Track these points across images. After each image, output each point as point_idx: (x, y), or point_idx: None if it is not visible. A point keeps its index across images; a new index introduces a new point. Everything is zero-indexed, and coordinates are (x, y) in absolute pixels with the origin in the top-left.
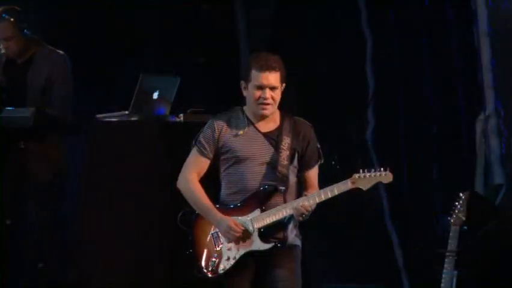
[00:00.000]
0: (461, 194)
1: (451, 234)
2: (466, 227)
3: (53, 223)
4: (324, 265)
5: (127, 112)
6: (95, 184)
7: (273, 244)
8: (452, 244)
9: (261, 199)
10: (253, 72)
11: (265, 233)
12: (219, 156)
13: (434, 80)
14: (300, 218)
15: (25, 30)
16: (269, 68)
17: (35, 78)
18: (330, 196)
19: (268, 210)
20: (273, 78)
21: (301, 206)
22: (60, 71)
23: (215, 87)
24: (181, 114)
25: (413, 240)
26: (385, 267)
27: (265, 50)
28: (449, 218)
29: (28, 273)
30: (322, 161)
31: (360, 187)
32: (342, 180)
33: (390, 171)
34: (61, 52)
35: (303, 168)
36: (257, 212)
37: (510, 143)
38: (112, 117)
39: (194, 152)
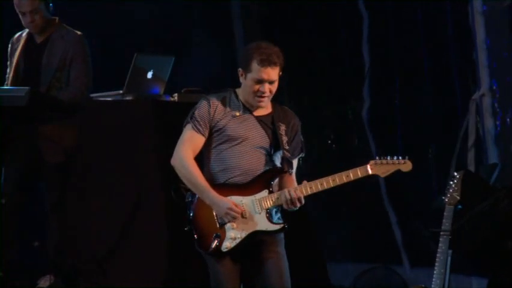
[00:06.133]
0: (455, 173)
1: (445, 213)
2: (460, 206)
3: (61, 204)
4: (324, 245)
5: (121, 92)
6: (89, 164)
7: (281, 225)
8: (446, 223)
9: (268, 180)
10: (254, 65)
11: (272, 214)
12: (211, 134)
13: (430, 59)
14: (287, 206)
15: (50, 5)
16: (271, 64)
17: (49, 58)
18: (345, 181)
19: (276, 192)
20: (273, 73)
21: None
22: (76, 51)
23: (210, 67)
24: (176, 94)
25: (411, 220)
26: (384, 247)
27: (260, 30)
28: (443, 198)
29: (23, 251)
30: (303, 155)
31: (378, 174)
32: (338, 162)
33: (410, 159)
34: (78, 32)
35: None
36: (265, 192)
37: (505, 122)
38: (107, 96)
39: (189, 128)
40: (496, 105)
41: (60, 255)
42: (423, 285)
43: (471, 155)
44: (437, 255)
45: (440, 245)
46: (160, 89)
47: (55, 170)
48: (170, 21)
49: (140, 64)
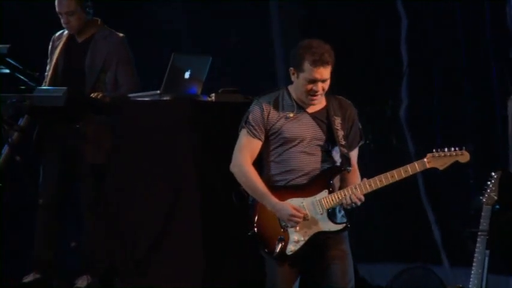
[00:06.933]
0: (493, 173)
1: (483, 213)
2: (498, 206)
3: (97, 204)
4: (361, 245)
5: (158, 92)
6: (127, 164)
7: (344, 225)
8: (484, 223)
9: (327, 180)
10: (307, 65)
11: (335, 213)
12: (267, 137)
13: (468, 58)
14: (348, 206)
15: (88, 9)
16: (323, 63)
17: (93, 59)
18: (404, 176)
19: (336, 192)
20: (326, 72)
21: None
22: (121, 54)
23: (247, 67)
24: (213, 94)
25: (450, 220)
26: (423, 246)
27: (298, 29)
28: (481, 198)
29: (60, 251)
30: (363, 142)
31: (436, 167)
32: (376, 161)
33: (466, 150)
34: (120, 34)
35: None
36: (324, 192)
37: None
38: (144, 96)
39: (244, 134)
40: None
41: (97, 255)
42: (460, 285)
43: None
44: (475, 255)
45: (477, 245)
46: (197, 89)
47: (92, 170)
48: (207, 21)
49: (177, 64)
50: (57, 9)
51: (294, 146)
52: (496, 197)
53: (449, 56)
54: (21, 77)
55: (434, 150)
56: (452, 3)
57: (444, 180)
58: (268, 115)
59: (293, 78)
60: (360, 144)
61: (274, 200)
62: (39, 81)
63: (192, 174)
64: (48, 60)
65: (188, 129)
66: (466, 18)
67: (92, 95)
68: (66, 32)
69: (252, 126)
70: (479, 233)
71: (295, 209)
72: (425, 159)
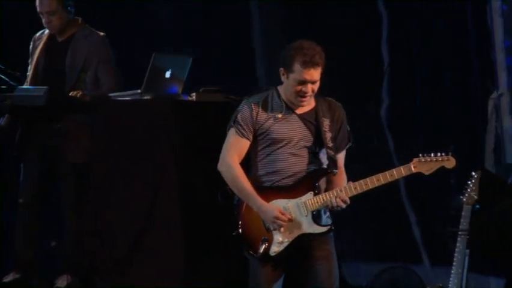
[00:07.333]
0: (473, 173)
1: (463, 213)
2: (478, 206)
3: (78, 203)
4: (343, 244)
5: (139, 91)
6: (107, 163)
7: (328, 227)
8: (464, 223)
9: (313, 182)
10: (297, 66)
11: (320, 215)
12: (256, 137)
13: (450, 59)
14: (332, 208)
15: (69, 8)
16: (314, 65)
17: (73, 58)
18: (389, 180)
19: (322, 194)
20: (316, 73)
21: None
22: (101, 53)
23: (228, 66)
24: (194, 93)
25: (431, 219)
26: (403, 246)
27: (278, 30)
28: (461, 197)
29: (40, 251)
30: (351, 144)
31: (422, 172)
32: (357, 162)
33: (452, 156)
34: (101, 33)
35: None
36: (310, 195)
37: None
38: (125, 96)
39: (233, 133)
40: None
41: (77, 255)
42: (441, 285)
43: (490, 155)
44: (455, 254)
45: (457, 244)
46: (178, 88)
47: (73, 169)
48: (188, 21)
49: (158, 64)
50: (38, 9)
51: (281, 147)
52: (476, 197)
53: (431, 55)
54: (2, 77)
55: (420, 155)
56: (434, 3)
57: (425, 180)
58: (257, 115)
59: (283, 78)
60: (348, 146)
61: (260, 201)
62: (21, 80)
63: (173, 173)
64: (30, 60)
65: (168, 128)
66: (447, 18)
67: (71, 93)
68: (47, 31)
69: (241, 125)
70: (459, 233)
71: (280, 212)
72: (411, 164)
